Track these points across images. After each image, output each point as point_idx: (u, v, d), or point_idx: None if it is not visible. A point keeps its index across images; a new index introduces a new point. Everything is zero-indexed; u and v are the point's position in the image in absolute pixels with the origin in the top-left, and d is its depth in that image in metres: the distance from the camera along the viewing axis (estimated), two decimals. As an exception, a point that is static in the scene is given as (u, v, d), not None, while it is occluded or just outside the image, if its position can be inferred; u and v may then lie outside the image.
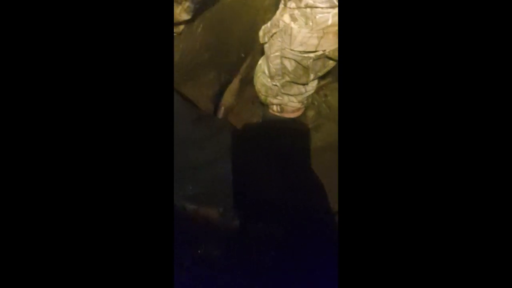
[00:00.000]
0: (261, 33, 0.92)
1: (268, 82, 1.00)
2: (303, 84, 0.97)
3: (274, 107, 1.10)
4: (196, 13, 1.04)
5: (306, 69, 0.89)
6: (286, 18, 0.80)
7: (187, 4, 0.97)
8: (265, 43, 0.91)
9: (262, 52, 1.26)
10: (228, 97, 1.25)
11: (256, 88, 1.08)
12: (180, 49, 1.10)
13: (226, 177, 0.89)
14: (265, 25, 0.92)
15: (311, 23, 0.77)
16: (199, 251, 0.83)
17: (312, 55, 0.84)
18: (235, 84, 1.26)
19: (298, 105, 1.06)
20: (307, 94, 1.02)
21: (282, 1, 0.81)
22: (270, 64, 0.93)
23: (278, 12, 0.84)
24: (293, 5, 0.77)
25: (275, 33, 0.84)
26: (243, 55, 1.19)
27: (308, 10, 0.75)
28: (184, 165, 0.89)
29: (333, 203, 0.96)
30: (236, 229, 0.87)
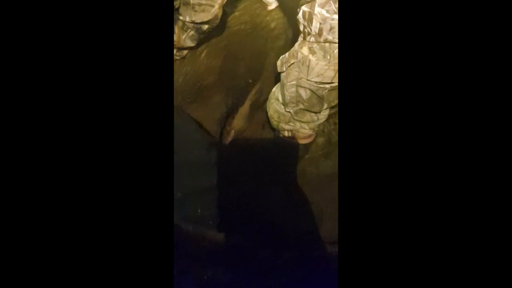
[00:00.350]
0: (279, 62, 0.98)
1: (281, 108, 1.04)
2: (316, 113, 1.01)
3: (286, 133, 1.12)
4: (201, 41, 1.09)
5: (320, 98, 0.94)
6: (305, 50, 0.86)
7: (192, 32, 1.01)
8: (283, 72, 0.96)
9: (271, 79, 1.29)
10: (239, 121, 1.28)
11: (269, 114, 1.11)
12: (183, 72, 1.15)
13: (232, 201, 0.90)
14: (283, 56, 0.97)
15: (328, 57, 0.83)
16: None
17: (327, 86, 0.90)
18: (246, 108, 1.29)
19: (310, 132, 1.09)
20: (319, 122, 1.06)
21: (302, 35, 0.87)
22: (286, 92, 0.98)
23: (296, 45, 0.90)
24: (312, 39, 0.83)
25: (293, 63, 0.90)
26: (251, 80, 1.23)
27: (327, 45, 0.82)
28: (193, 188, 0.90)
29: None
30: (241, 254, 0.87)
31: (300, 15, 0.83)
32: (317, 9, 0.78)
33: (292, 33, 1.22)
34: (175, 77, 1.15)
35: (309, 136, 1.11)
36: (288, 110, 1.02)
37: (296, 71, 0.90)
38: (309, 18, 0.80)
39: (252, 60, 1.21)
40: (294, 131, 1.08)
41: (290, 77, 0.93)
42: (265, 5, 1.17)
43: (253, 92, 1.28)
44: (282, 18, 1.20)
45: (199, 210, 0.94)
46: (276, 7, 1.17)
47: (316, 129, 1.10)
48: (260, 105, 1.32)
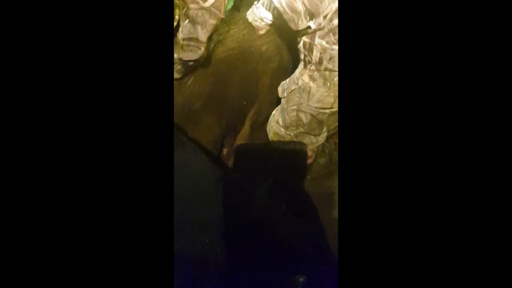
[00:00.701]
0: (280, 89, 1.04)
1: (282, 131, 1.08)
2: (316, 135, 1.06)
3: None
4: (186, 73, 1.12)
5: (320, 122, 1.00)
6: (306, 78, 0.92)
7: (179, 67, 1.06)
8: (284, 97, 1.01)
9: (268, 100, 1.31)
10: (240, 142, 1.30)
11: (269, 136, 1.15)
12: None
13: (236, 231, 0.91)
14: (284, 82, 1.03)
15: (328, 84, 0.89)
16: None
17: (327, 111, 0.95)
18: (246, 130, 1.31)
19: (309, 153, 1.13)
20: (318, 143, 1.10)
21: (302, 63, 0.92)
22: (286, 116, 1.03)
23: (297, 72, 0.96)
24: (313, 67, 0.88)
25: (294, 89, 0.96)
26: (245, 103, 1.25)
27: (327, 73, 0.87)
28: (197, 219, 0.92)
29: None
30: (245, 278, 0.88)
31: (301, 45, 0.89)
32: (318, 40, 0.83)
33: (287, 55, 1.24)
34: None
35: (309, 157, 1.14)
36: (288, 133, 1.06)
37: (297, 96, 0.95)
38: (310, 48, 0.86)
39: (243, 84, 1.24)
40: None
41: (291, 102, 0.98)
42: (253, 31, 1.20)
43: (251, 113, 1.30)
44: (273, 41, 1.22)
45: (207, 240, 0.96)
46: (267, 31, 1.19)
47: (315, 150, 1.13)
48: (260, 125, 1.34)
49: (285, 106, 1.01)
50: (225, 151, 1.27)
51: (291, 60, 1.27)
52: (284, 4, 0.82)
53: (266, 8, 1.11)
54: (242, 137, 1.30)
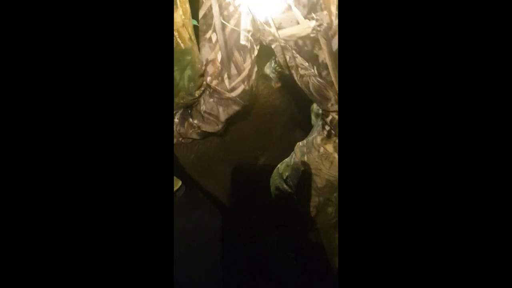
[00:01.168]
0: (297, 150, 1.05)
1: (283, 187, 1.09)
2: (327, 198, 1.06)
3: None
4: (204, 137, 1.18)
5: (335, 188, 0.99)
6: (330, 148, 0.94)
7: (198, 131, 1.05)
8: (303, 160, 1.01)
9: (277, 151, 1.36)
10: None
11: (271, 189, 1.16)
12: (194, 150, 1.22)
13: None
14: (301, 144, 1.04)
15: None
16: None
17: None
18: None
19: (311, 209, 1.10)
20: (322, 203, 1.09)
21: (325, 132, 0.94)
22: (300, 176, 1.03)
23: (319, 139, 0.96)
24: (337, 140, 0.90)
25: (314, 156, 0.96)
26: (259, 152, 1.30)
27: None
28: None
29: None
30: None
31: (329, 119, 0.91)
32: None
33: (297, 110, 1.32)
34: (183, 159, 1.21)
35: (310, 212, 1.12)
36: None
37: (316, 162, 0.97)
38: (336, 125, 0.89)
39: (257, 135, 1.30)
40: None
41: (311, 165, 0.98)
42: (270, 85, 1.30)
43: (261, 161, 1.35)
44: (285, 96, 1.32)
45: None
46: (281, 85, 1.29)
47: (318, 207, 1.10)
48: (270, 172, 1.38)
49: (296, 157, 1.02)
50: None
51: (300, 113, 1.37)
52: (312, 90, 0.86)
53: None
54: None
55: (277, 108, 1.32)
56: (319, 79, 0.83)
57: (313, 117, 1.36)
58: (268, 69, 1.29)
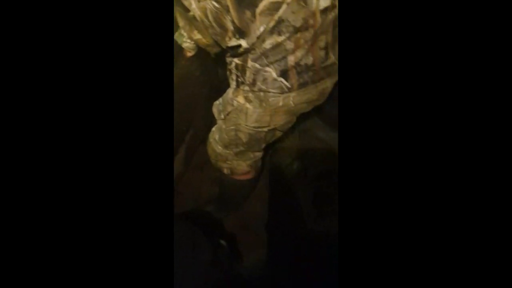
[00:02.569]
0: (215, 110, 1.03)
1: (219, 149, 1.08)
2: (255, 152, 1.08)
3: (225, 170, 1.15)
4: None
5: (259, 140, 1.01)
6: (241, 99, 0.91)
7: None
8: (222, 119, 1.01)
9: (202, 123, 1.34)
10: (176, 166, 1.29)
11: (208, 152, 1.15)
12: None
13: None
14: (217, 102, 1.02)
15: (264, 105, 0.89)
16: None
17: (265, 129, 0.96)
18: (181, 153, 1.31)
19: (248, 169, 1.13)
20: (256, 158, 1.12)
21: (234, 83, 0.92)
22: (225, 136, 1.02)
23: (230, 92, 0.95)
24: (246, 88, 0.88)
25: (230, 111, 0.95)
26: (184, 128, 1.27)
27: (262, 93, 0.88)
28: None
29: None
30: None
31: (232, 66, 0.88)
32: (250, 63, 0.84)
33: (215, 79, 1.30)
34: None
35: (248, 172, 1.15)
36: (228, 151, 1.06)
37: (234, 117, 0.95)
38: (242, 70, 0.86)
39: (183, 108, 1.26)
40: (232, 169, 1.12)
41: (228, 123, 0.98)
42: (185, 56, 1.25)
43: (187, 137, 1.31)
44: (203, 66, 1.29)
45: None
46: (195, 53, 1.25)
47: (254, 165, 1.14)
48: (195, 149, 1.36)
49: (223, 127, 1.01)
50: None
51: (221, 81, 1.36)
52: (211, 19, 0.79)
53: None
54: (178, 161, 1.29)
55: (198, 79, 1.28)
56: (215, 3, 0.75)
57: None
58: (178, 39, 1.22)
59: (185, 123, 1.30)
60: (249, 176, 1.16)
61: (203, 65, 1.28)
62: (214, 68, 1.28)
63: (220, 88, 1.36)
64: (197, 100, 1.31)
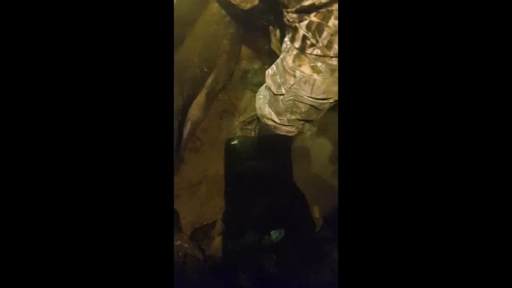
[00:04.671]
0: (270, 81, 0.88)
1: (267, 111, 0.98)
2: (311, 121, 0.98)
3: (269, 123, 1.06)
4: None
5: (320, 111, 0.90)
6: (307, 69, 0.77)
7: None
8: (282, 94, 0.87)
9: (226, 66, 1.25)
10: (195, 111, 1.23)
11: (256, 105, 1.05)
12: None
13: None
14: (270, 72, 0.87)
15: (336, 74, 0.77)
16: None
17: (331, 100, 0.85)
18: (201, 98, 1.24)
19: (294, 130, 1.05)
20: (305, 124, 1.03)
21: (298, 44, 0.75)
22: (281, 105, 0.91)
23: (289, 59, 0.79)
24: (317, 51, 0.73)
25: (293, 84, 0.82)
26: (206, 69, 1.18)
27: (334, 62, 0.75)
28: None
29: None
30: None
31: (304, 24, 0.71)
32: (333, 21, 0.68)
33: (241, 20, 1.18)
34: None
35: (291, 132, 1.06)
36: (281, 118, 0.96)
37: (295, 89, 0.83)
38: (319, 29, 0.70)
39: (204, 48, 1.16)
40: (277, 127, 1.03)
41: (287, 94, 0.86)
42: None
43: (209, 81, 1.23)
44: (230, 5, 1.16)
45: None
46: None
47: (300, 127, 1.04)
48: (216, 94, 1.29)
49: (281, 97, 0.88)
50: (184, 122, 1.19)
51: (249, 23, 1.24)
52: None
53: None
54: (196, 106, 1.23)
55: (224, 19, 1.16)
56: None
57: (273, 40, 1.20)
58: None
59: (205, 65, 1.21)
60: (291, 134, 1.07)
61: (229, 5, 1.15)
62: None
63: (250, 31, 1.26)
64: (221, 41, 1.20)
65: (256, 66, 1.32)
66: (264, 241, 1.01)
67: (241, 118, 1.29)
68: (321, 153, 1.23)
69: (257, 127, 1.20)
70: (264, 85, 0.98)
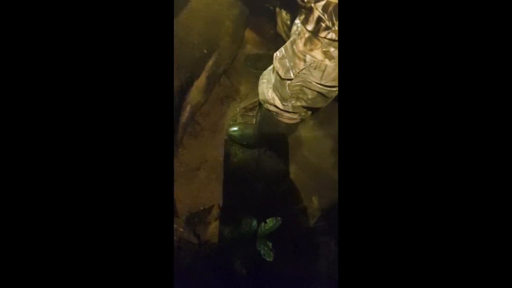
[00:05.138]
0: (278, 64, 0.83)
1: (270, 96, 0.94)
2: (316, 108, 0.92)
3: (271, 109, 1.01)
4: None
5: (327, 99, 0.85)
6: (318, 54, 0.73)
7: None
8: (290, 78, 0.82)
9: (228, 49, 1.22)
10: (194, 94, 1.20)
11: (259, 90, 1.01)
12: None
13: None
14: (279, 55, 0.82)
15: None
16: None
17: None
18: (201, 81, 1.21)
19: (296, 117, 1.00)
20: (309, 113, 0.97)
21: (311, 27, 0.71)
22: (287, 90, 0.86)
23: (300, 43, 0.75)
24: (331, 35, 0.69)
25: (302, 69, 0.78)
26: (205, 51, 1.15)
27: None
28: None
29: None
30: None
31: (319, 4, 0.67)
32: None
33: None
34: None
35: (293, 119, 1.02)
36: (286, 104, 0.91)
37: (304, 74, 0.78)
38: (336, 11, 0.66)
39: (205, 29, 1.13)
40: (279, 114, 0.98)
41: (295, 79, 0.82)
42: None
43: (209, 63, 1.20)
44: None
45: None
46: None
47: (303, 114, 0.99)
48: (217, 77, 1.26)
49: (288, 82, 0.84)
50: (183, 106, 1.17)
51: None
52: None
53: None
54: (196, 89, 1.20)
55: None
56: None
57: (279, 23, 1.12)
58: None
59: (205, 46, 1.17)
60: (293, 121, 1.03)
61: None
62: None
63: (255, 14, 1.21)
64: (223, 22, 1.16)
65: (261, 52, 1.28)
66: (260, 228, 0.99)
67: (242, 104, 1.26)
68: (323, 143, 1.20)
69: (259, 114, 1.17)
70: (269, 68, 0.94)
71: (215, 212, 1.10)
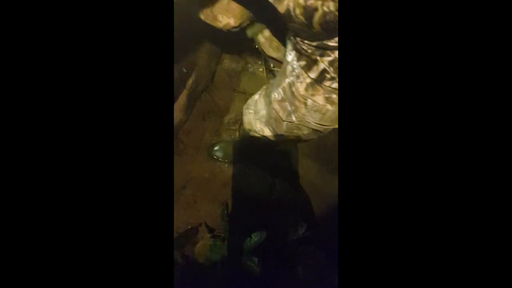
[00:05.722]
0: (278, 107, 0.83)
1: (256, 123, 0.94)
2: (305, 140, 0.93)
3: (258, 136, 1.01)
4: None
5: (322, 133, 0.86)
6: (320, 99, 0.74)
7: None
8: (291, 122, 0.83)
9: (206, 67, 1.23)
10: (176, 113, 1.21)
11: (244, 119, 1.01)
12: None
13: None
14: (278, 97, 0.82)
15: None
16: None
17: (336, 126, 0.81)
18: (182, 99, 1.21)
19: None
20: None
21: (314, 75, 0.71)
22: (282, 126, 0.86)
23: (301, 88, 0.74)
24: (335, 85, 0.69)
25: (303, 112, 0.78)
26: (185, 70, 1.15)
27: None
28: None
29: None
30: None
31: (327, 59, 0.67)
32: None
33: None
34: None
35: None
36: (277, 136, 0.90)
37: (303, 114, 0.79)
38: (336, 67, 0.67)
39: (184, 49, 1.14)
40: (263, 139, 0.98)
41: (292, 116, 0.82)
42: None
43: (189, 82, 1.21)
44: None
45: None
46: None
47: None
48: (198, 95, 1.26)
49: (286, 122, 0.84)
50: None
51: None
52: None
53: None
54: (178, 108, 1.21)
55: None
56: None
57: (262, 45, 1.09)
58: None
59: (187, 64, 1.18)
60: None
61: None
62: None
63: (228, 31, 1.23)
64: (202, 40, 1.18)
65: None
66: (245, 243, 0.98)
67: (226, 119, 1.26)
68: (306, 156, 1.21)
69: (242, 127, 1.18)
70: (254, 98, 0.94)
71: (203, 230, 1.09)
